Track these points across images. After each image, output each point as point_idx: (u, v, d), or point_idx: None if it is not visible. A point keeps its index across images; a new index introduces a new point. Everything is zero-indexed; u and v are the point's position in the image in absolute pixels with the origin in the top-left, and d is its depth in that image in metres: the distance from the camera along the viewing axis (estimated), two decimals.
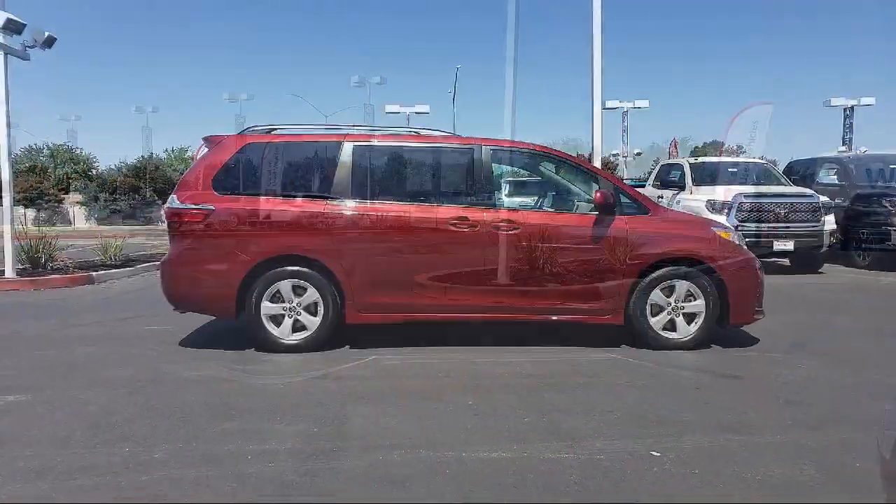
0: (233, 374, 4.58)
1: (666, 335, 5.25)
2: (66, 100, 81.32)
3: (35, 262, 10.12)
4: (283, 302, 5.11)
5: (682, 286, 5.22)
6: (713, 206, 10.30)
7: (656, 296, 5.23)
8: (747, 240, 5.89)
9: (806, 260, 10.68)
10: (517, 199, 9.46)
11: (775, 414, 3.76)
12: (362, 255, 5.13)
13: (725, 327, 5.38)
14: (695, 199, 10.80)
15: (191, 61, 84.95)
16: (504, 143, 5.60)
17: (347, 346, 5.32)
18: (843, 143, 28.39)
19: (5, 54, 9.31)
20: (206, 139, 5.44)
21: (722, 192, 10.56)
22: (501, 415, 3.71)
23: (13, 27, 9.08)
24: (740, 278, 5.26)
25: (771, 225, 10.13)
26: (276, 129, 5.52)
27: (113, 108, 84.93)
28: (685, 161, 12.69)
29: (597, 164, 10.68)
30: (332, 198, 5.17)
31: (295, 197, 5.19)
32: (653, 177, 13.81)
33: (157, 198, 41.49)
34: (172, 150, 51.92)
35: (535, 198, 7.26)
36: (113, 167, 43.53)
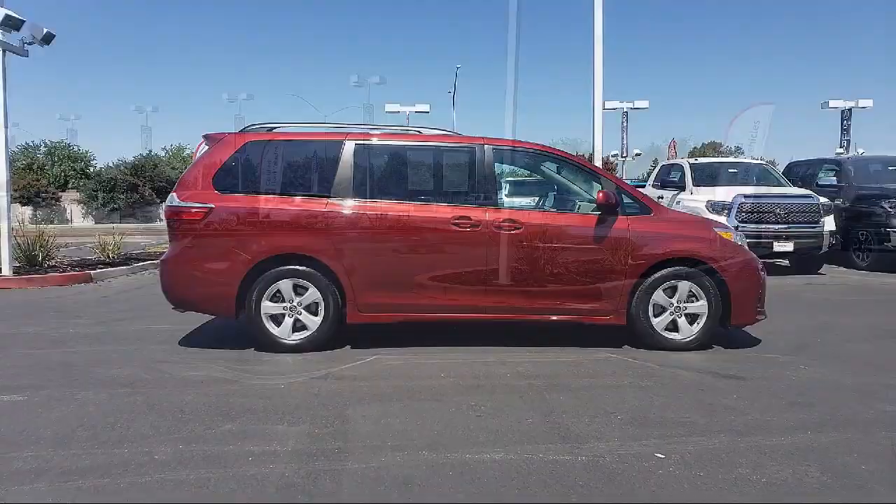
0: (233, 373, 4.55)
1: (668, 336, 5.23)
2: (63, 98, 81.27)
3: (32, 260, 10.08)
4: (284, 301, 5.08)
5: (684, 286, 5.20)
6: (713, 206, 10.28)
7: (658, 296, 5.21)
8: (747, 240, 5.86)
9: (805, 261, 10.67)
10: (519, 199, 9.44)
11: (779, 415, 3.74)
12: (363, 255, 5.10)
13: (727, 328, 5.36)
14: (695, 200, 10.78)
15: (189, 60, 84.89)
16: (506, 142, 5.58)
17: (348, 346, 5.29)
18: (841, 145, 28.44)
19: (3, 51, 9.26)
20: (206, 137, 5.41)
21: (722, 193, 10.55)
22: (504, 415, 3.68)
23: (11, 23, 9.03)
24: (742, 279, 5.25)
25: (771, 226, 10.11)
26: (276, 127, 5.49)
27: (110, 106, 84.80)
28: (685, 161, 12.68)
29: (597, 164, 10.66)
30: (333, 197, 5.14)
31: (296, 196, 5.16)
32: (653, 177, 13.80)
33: (155, 196, 41.42)
34: (170, 149, 51.85)
35: (537, 197, 7.25)
36: (111, 165, 43.37)
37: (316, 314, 5.11)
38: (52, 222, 28.50)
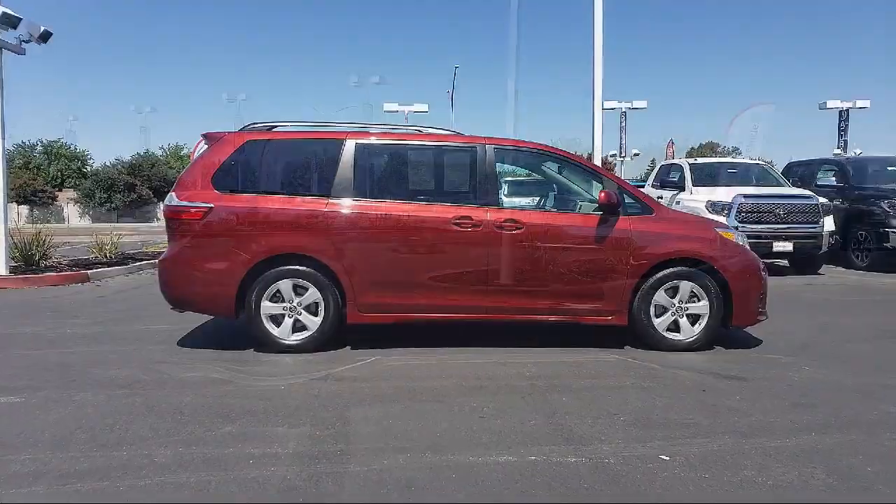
0: (233, 374, 4.51)
1: (670, 336, 5.21)
2: (61, 97, 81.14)
3: (29, 259, 10.02)
4: (284, 301, 5.05)
5: (685, 287, 5.18)
6: (713, 206, 10.27)
7: (660, 296, 5.19)
8: (746, 240, 5.84)
9: (805, 261, 10.66)
10: (520, 199, 9.41)
11: (782, 416, 3.72)
12: (364, 255, 5.07)
13: (728, 328, 5.34)
14: (694, 200, 10.77)
15: (188, 60, 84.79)
16: (507, 141, 5.54)
17: (348, 347, 5.25)
18: (839, 146, 28.48)
19: (0, 49, 9.21)
20: (205, 136, 5.37)
21: (722, 193, 10.53)
22: (507, 417, 3.65)
23: (8, 21, 8.98)
24: (744, 279, 5.23)
25: (770, 226, 10.10)
26: (277, 126, 5.45)
27: (108, 106, 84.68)
28: (684, 162, 12.67)
29: (596, 164, 10.63)
30: (333, 196, 5.11)
31: (296, 195, 5.12)
32: (652, 177, 13.79)
33: (152, 196, 41.31)
34: (168, 148, 51.74)
35: (539, 197, 7.23)
36: (108, 164, 43.24)
37: (316, 314, 5.08)
38: (48, 222, 28.43)
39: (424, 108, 27.97)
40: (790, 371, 4.70)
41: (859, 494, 2.77)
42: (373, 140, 5.36)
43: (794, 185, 11.95)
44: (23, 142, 47.90)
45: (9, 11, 8.93)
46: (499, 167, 5.62)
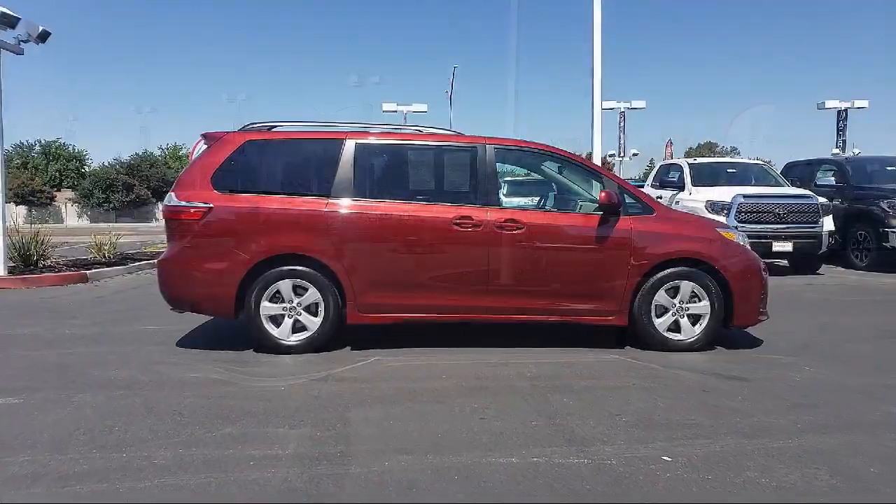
0: (232, 375, 4.49)
1: (671, 336, 5.20)
2: (59, 97, 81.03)
3: (27, 260, 9.99)
4: (283, 302, 5.03)
5: (686, 287, 5.17)
6: (712, 206, 10.26)
7: (661, 296, 5.17)
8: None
9: (804, 261, 10.66)
10: (521, 199, 9.39)
11: (784, 417, 3.70)
12: (364, 255, 5.05)
13: (729, 328, 5.33)
14: (693, 200, 10.76)
15: (188, 60, 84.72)
16: (508, 141, 5.52)
17: (348, 348, 5.24)
18: (837, 146, 28.51)
19: None
20: (204, 136, 5.35)
21: (721, 193, 10.53)
22: (508, 418, 3.64)
23: (7, 21, 8.94)
24: (745, 280, 5.21)
25: (770, 226, 10.10)
26: (276, 125, 5.43)
27: (107, 105, 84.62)
28: (684, 161, 12.66)
29: (596, 164, 10.61)
30: (333, 196, 5.09)
31: (295, 195, 5.10)
32: (651, 177, 13.79)
33: (151, 195, 41.25)
34: (167, 148, 51.68)
35: (539, 197, 7.21)
36: (107, 164, 43.18)
37: (316, 315, 5.06)
38: (46, 222, 28.35)
39: (423, 108, 27.98)
40: (791, 371, 4.69)
41: (863, 496, 2.75)
42: (373, 140, 5.34)
43: (794, 184, 11.95)
44: (21, 142, 47.85)
45: (7, 11, 8.89)
46: (499, 167, 5.60)
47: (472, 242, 5.08)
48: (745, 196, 10.26)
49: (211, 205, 4.99)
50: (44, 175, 45.41)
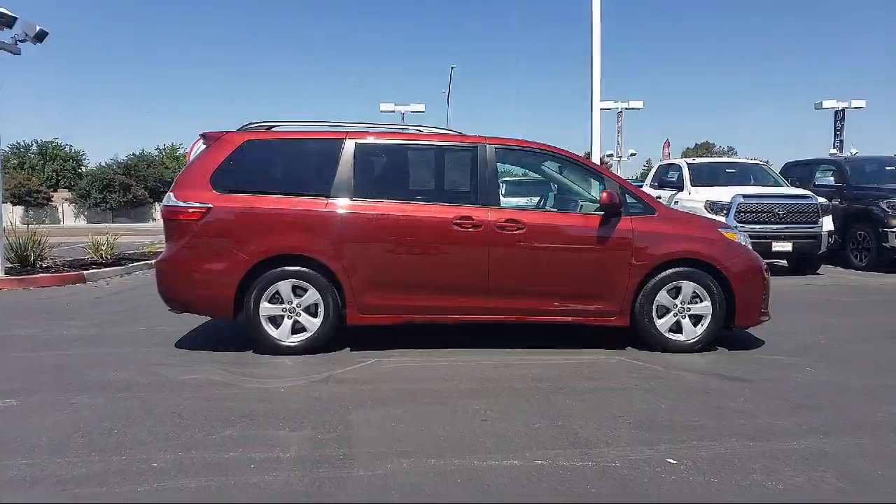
0: (232, 377, 4.46)
1: (672, 337, 5.18)
2: (57, 97, 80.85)
3: (24, 260, 9.93)
4: (283, 303, 4.99)
5: (688, 287, 5.14)
6: (712, 206, 10.24)
7: (662, 297, 5.15)
8: None
9: (804, 261, 10.64)
10: (521, 199, 9.36)
11: (788, 419, 3.68)
12: (364, 255, 5.02)
13: (731, 329, 5.31)
14: (693, 200, 10.74)
15: (183, 59, 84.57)
16: (508, 141, 5.48)
17: (348, 349, 5.20)
18: (835, 146, 28.53)
19: None
20: (203, 136, 5.31)
21: (721, 193, 10.51)
22: (511, 420, 3.61)
23: (4, 21, 8.89)
24: (747, 280, 5.19)
25: (769, 226, 10.08)
26: (276, 125, 5.40)
27: (106, 105, 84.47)
28: (683, 162, 12.64)
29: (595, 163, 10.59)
30: (333, 196, 5.05)
31: (295, 195, 5.07)
32: (650, 177, 13.78)
33: (148, 196, 41.16)
34: (164, 148, 51.58)
35: (539, 197, 7.18)
36: (104, 164, 43.08)
37: (315, 316, 5.03)
38: (43, 222, 28.26)
39: (421, 108, 27.89)
40: (794, 372, 4.67)
41: (871, 498, 2.73)
42: (373, 140, 5.31)
43: (793, 185, 11.93)
44: (17, 142, 47.72)
45: (4, 10, 8.84)
46: (500, 167, 5.57)
47: (472, 243, 5.05)
48: (744, 196, 10.24)
49: (210, 205, 4.95)
50: (41, 175, 45.30)
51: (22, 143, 48.04)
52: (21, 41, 9.33)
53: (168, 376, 4.47)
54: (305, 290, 4.99)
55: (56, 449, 3.17)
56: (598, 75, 11.95)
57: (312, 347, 5.01)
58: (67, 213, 42.56)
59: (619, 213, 5.15)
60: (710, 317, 5.16)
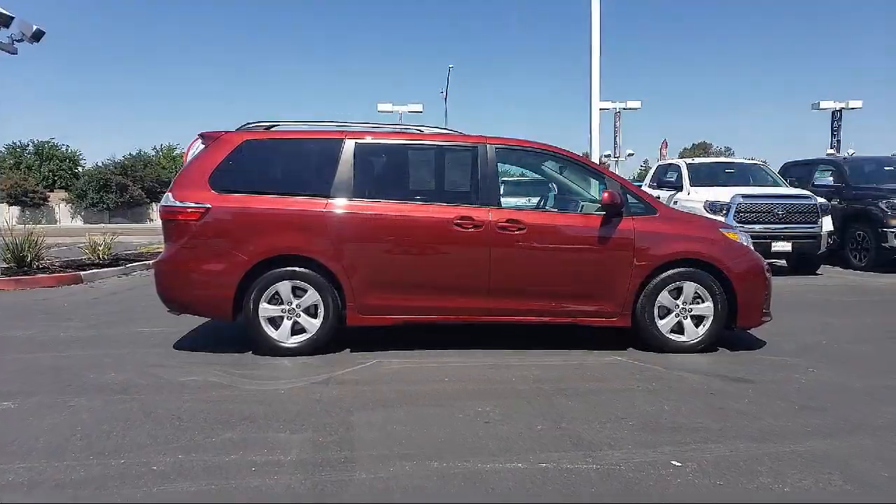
0: (231, 378, 4.42)
1: (673, 338, 5.15)
2: (55, 97, 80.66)
3: (21, 261, 9.86)
4: (282, 304, 4.95)
5: (689, 288, 5.12)
6: (711, 206, 10.22)
7: (664, 298, 5.13)
8: None
9: (803, 261, 10.63)
10: (522, 199, 9.32)
11: (792, 420, 3.66)
12: (364, 256, 4.98)
13: (733, 330, 5.29)
14: (692, 200, 10.72)
15: (180, 59, 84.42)
16: (509, 141, 5.44)
17: (348, 350, 5.17)
18: (832, 146, 28.58)
19: None
20: (202, 135, 5.26)
21: (720, 193, 10.49)
22: (513, 422, 3.58)
23: (1, 20, 8.84)
24: (748, 280, 5.17)
25: (769, 226, 10.07)
26: (275, 125, 5.36)
27: (100, 105, 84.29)
28: (682, 162, 12.63)
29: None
30: (332, 196, 5.02)
31: (295, 195, 5.03)
32: (649, 177, 13.76)
33: (145, 196, 41.05)
34: (161, 148, 51.47)
35: (540, 197, 7.15)
36: (100, 164, 42.96)
37: (315, 316, 4.99)
38: (39, 222, 28.16)
39: (419, 107, 27.86)
40: (796, 373, 4.65)
41: (878, 499, 2.71)
42: (373, 139, 5.27)
43: (791, 185, 11.93)
44: (13, 142, 47.58)
45: (1, 10, 8.79)
46: (500, 167, 5.53)
47: (472, 243, 5.02)
48: (744, 196, 10.23)
49: (209, 205, 4.91)
50: (37, 175, 45.16)
51: (18, 143, 47.91)
52: (18, 41, 9.30)
53: (167, 378, 4.43)
54: (305, 291, 4.96)
55: (54, 452, 3.13)
56: (598, 76, 11.94)
57: (312, 348, 4.98)
58: (64, 214, 42.43)
59: (620, 214, 5.12)
60: (711, 317, 5.13)
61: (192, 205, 4.91)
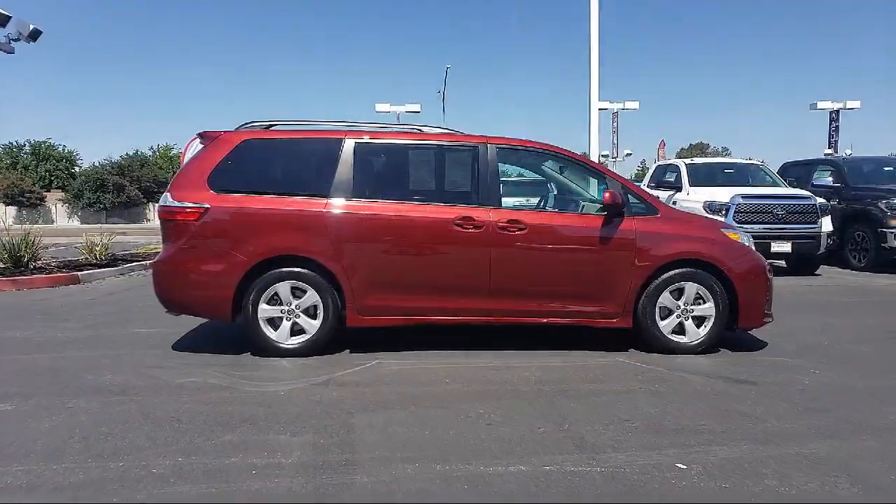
0: (231, 380, 4.38)
1: (675, 339, 5.13)
2: (53, 97, 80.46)
3: (17, 261, 9.81)
4: (282, 304, 4.92)
5: (691, 288, 5.09)
6: (710, 207, 10.21)
7: (665, 298, 5.10)
8: None
9: (802, 262, 10.62)
10: (523, 199, 9.30)
11: (796, 422, 3.64)
12: (364, 256, 4.95)
13: (734, 330, 5.27)
14: (691, 201, 10.70)
15: (178, 59, 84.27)
16: (511, 141, 5.40)
17: (348, 351, 5.14)
18: (830, 146, 28.62)
19: None
20: (200, 135, 5.23)
21: (719, 194, 10.47)
22: (515, 424, 3.55)
23: None
24: (750, 281, 5.15)
25: (768, 226, 10.05)
26: (274, 124, 5.33)
27: (103, 105, 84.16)
28: (681, 162, 12.61)
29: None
30: (332, 196, 4.98)
31: (294, 195, 4.99)
32: (648, 177, 13.74)
33: (142, 196, 40.96)
34: (158, 148, 51.37)
35: (541, 197, 7.12)
36: (97, 164, 42.87)
37: (315, 317, 4.96)
38: (36, 222, 28.09)
39: (416, 108, 27.84)
40: (799, 374, 4.63)
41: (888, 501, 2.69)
42: (372, 139, 5.24)
43: (791, 185, 11.92)
44: (10, 142, 47.45)
45: None
46: (501, 167, 5.50)
47: (473, 244, 4.99)
48: (743, 196, 10.21)
49: (207, 205, 4.87)
50: (34, 175, 45.04)
51: (15, 143, 47.77)
52: (15, 40, 9.24)
53: (165, 379, 4.39)
54: (304, 292, 4.92)
55: (52, 454, 3.10)
56: (597, 76, 11.92)
57: (312, 350, 4.95)
58: (61, 214, 42.31)
59: (621, 214, 5.10)
60: (713, 318, 5.11)
61: (191, 205, 4.87)
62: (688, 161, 12.77)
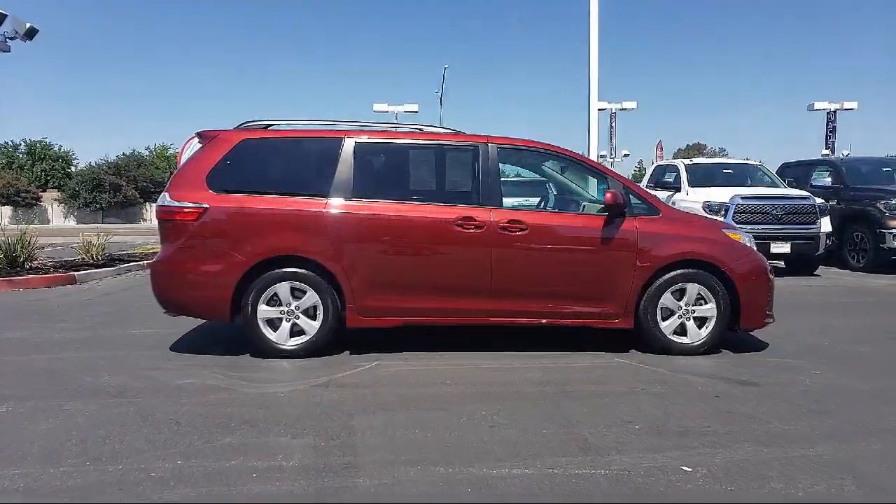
0: (230, 381, 4.34)
1: (676, 340, 5.10)
2: (55, 96, 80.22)
3: (13, 261, 9.75)
4: (281, 305, 4.88)
5: (692, 289, 5.07)
6: (710, 207, 10.20)
7: (667, 299, 5.08)
8: None
9: (801, 262, 10.61)
10: (524, 199, 9.27)
11: (799, 424, 3.61)
12: (364, 257, 4.91)
13: (736, 331, 5.25)
14: (691, 201, 10.69)
15: (183, 59, 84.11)
16: (512, 140, 5.37)
17: (347, 352, 5.10)
18: (827, 147, 28.66)
19: None
20: (199, 134, 5.19)
21: (719, 194, 10.47)
22: (518, 426, 3.52)
23: None
24: (751, 281, 5.12)
25: (768, 227, 10.04)
26: (273, 124, 5.29)
27: (102, 105, 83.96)
28: (680, 162, 12.61)
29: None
30: (332, 196, 4.95)
31: (294, 195, 4.96)
32: (647, 178, 13.73)
33: (138, 196, 40.85)
34: (155, 148, 51.22)
35: (541, 197, 7.09)
36: (93, 164, 42.74)
37: (314, 318, 4.92)
38: (32, 222, 27.98)
39: (414, 108, 27.82)
40: (801, 375, 4.61)
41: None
42: (372, 139, 5.21)
43: (789, 185, 11.92)
44: (5, 142, 47.28)
45: None
46: (502, 167, 5.47)
47: (474, 244, 4.96)
48: (742, 197, 10.21)
49: (206, 205, 4.84)
50: (29, 175, 44.88)
51: (10, 143, 47.60)
52: (11, 38, 9.18)
53: (164, 381, 4.35)
54: (304, 292, 4.89)
55: (50, 458, 3.05)
56: (596, 76, 11.90)
57: (311, 351, 4.91)
58: (57, 214, 42.17)
59: (623, 214, 5.07)
60: (714, 319, 5.09)
61: (190, 205, 4.83)
62: (687, 161, 12.77)
